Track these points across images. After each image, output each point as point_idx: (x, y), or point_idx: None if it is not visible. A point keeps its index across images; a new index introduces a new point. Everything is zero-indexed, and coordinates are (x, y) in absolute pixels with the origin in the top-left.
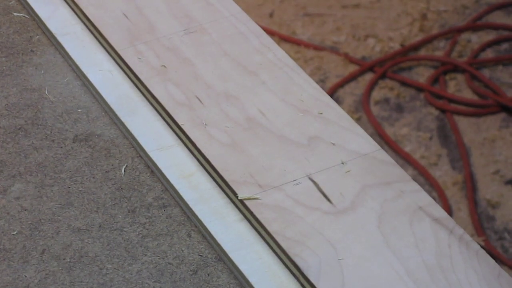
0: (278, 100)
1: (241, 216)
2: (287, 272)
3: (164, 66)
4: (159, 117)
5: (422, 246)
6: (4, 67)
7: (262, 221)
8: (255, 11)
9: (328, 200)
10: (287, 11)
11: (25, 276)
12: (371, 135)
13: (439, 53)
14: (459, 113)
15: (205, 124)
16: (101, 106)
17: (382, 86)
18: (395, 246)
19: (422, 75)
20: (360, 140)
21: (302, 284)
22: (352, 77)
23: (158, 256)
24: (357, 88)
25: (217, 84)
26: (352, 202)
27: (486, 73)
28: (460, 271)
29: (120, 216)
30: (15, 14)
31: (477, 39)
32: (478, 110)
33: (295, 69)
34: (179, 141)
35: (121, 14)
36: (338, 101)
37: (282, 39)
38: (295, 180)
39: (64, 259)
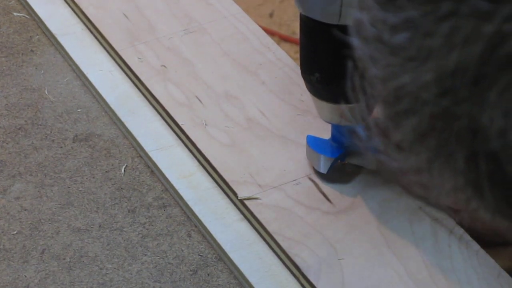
0: (278, 100)
1: (241, 216)
2: (287, 272)
3: (164, 66)
4: (159, 117)
5: (422, 246)
6: (4, 67)
7: (262, 221)
8: (255, 11)
9: (328, 200)
10: (287, 11)
11: (25, 276)
12: None
13: None
14: None
15: (205, 124)
16: (101, 106)
17: None
18: (395, 246)
19: None
20: None
21: (302, 284)
22: None
23: (158, 256)
24: None
25: (217, 84)
26: (352, 202)
27: None
28: (460, 271)
29: (120, 216)
30: (15, 14)
31: None
32: None
33: (295, 69)
34: (179, 141)
35: (121, 14)
36: None
37: (282, 39)
38: (295, 180)
39: (64, 259)
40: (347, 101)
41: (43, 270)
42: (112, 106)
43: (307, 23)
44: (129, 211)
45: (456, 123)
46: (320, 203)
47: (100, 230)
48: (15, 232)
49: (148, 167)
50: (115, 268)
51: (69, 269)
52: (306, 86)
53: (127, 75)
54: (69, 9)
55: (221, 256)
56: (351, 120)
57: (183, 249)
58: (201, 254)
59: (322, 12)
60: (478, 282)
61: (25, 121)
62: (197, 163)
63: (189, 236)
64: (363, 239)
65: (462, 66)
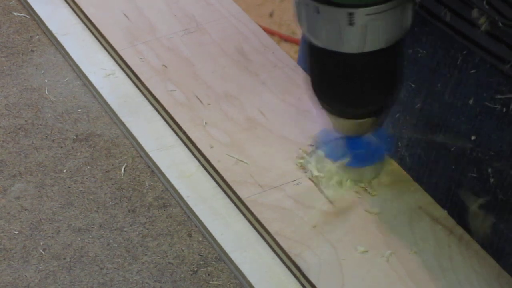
0: (278, 100)
1: (241, 216)
2: (287, 272)
3: (165, 66)
4: (159, 117)
5: (422, 246)
6: (4, 67)
7: (262, 221)
8: (255, 11)
9: (328, 200)
10: (287, 11)
11: (25, 276)
12: None
13: None
14: None
15: (205, 124)
16: (102, 106)
17: None
18: (395, 246)
19: None
20: None
21: (302, 284)
22: None
23: (158, 256)
24: None
25: (217, 84)
26: (352, 202)
27: None
28: (460, 271)
29: (120, 216)
30: (15, 14)
31: None
32: None
33: (295, 69)
34: (179, 141)
35: (121, 14)
36: None
37: (282, 39)
38: (295, 180)
39: (64, 259)
40: (358, 118)
41: (43, 270)
42: (113, 106)
43: (325, 54)
44: (129, 211)
45: None
46: (320, 203)
47: (100, 230)
48: (15, 232)
49: (148, 167)
50: (115, 268)
51: (69, 269)
52: (320, 103)
53: (127, 75)
54: (69, 9)
55: (221, 256)
56: (357, 132)
57: (183, 249)
58: (201, 254)
59: (344, 44)
60: (478, 282)
61: (25, 121)
62: (197, 163)
63: (190, 236)
64: (363, 239)
65: None
